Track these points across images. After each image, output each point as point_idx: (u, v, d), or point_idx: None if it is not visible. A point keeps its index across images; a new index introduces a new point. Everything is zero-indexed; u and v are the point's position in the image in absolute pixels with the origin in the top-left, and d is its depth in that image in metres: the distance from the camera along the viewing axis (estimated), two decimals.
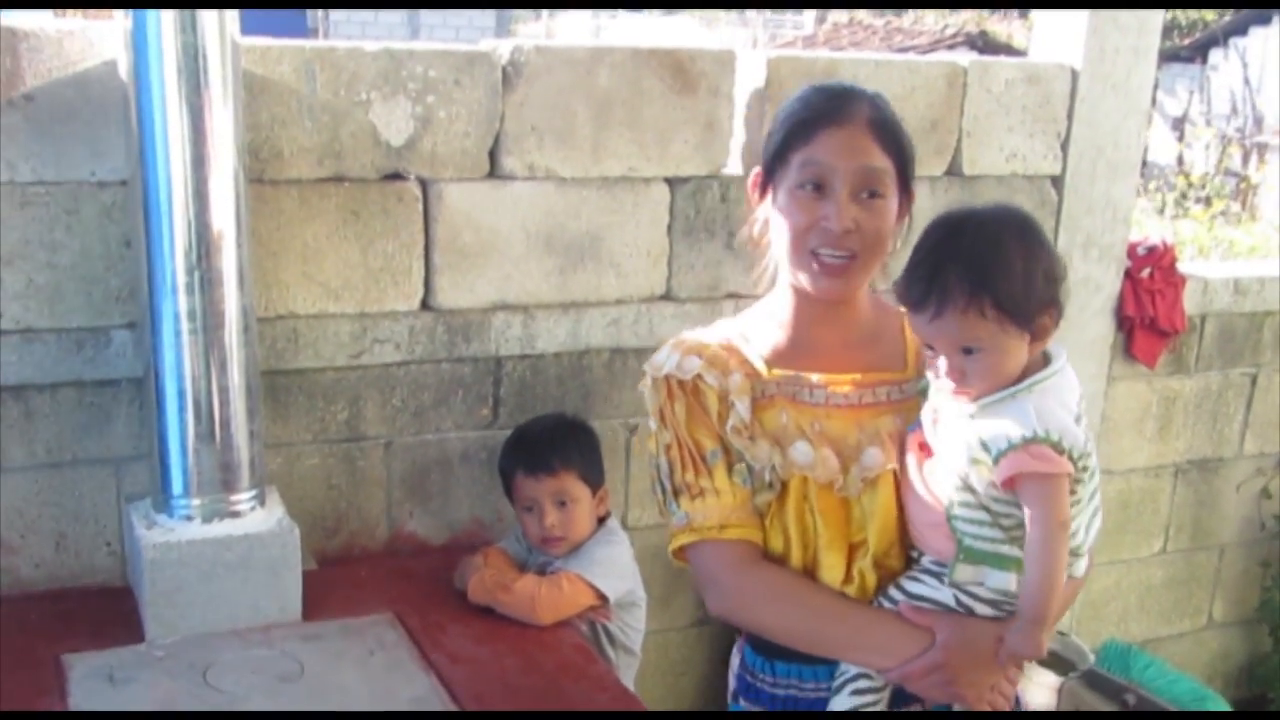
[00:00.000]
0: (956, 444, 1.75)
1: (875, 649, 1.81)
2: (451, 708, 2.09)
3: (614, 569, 2.47)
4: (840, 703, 1.84)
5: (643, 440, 2.93)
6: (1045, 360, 1.77)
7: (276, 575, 2.33)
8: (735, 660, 2.02)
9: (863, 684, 1.84)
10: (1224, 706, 3.45)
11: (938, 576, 1.82)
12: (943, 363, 1.73)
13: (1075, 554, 1.79)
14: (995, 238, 1.69)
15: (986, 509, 1.74)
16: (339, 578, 2.55)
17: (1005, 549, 1.75)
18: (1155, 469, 3.73)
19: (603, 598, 2.43)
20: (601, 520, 2.59)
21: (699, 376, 1.84)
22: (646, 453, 1.92)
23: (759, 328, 1.93)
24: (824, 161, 1.76)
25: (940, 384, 1.77)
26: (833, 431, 1.84)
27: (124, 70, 2.23)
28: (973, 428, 1.73)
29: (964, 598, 1.80)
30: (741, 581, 1.83)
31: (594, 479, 2.55)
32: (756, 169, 1.91)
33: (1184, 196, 8.10)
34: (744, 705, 1.95)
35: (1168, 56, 12.78)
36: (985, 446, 1.70)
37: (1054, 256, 1.74)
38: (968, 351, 1.70)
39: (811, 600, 1.83)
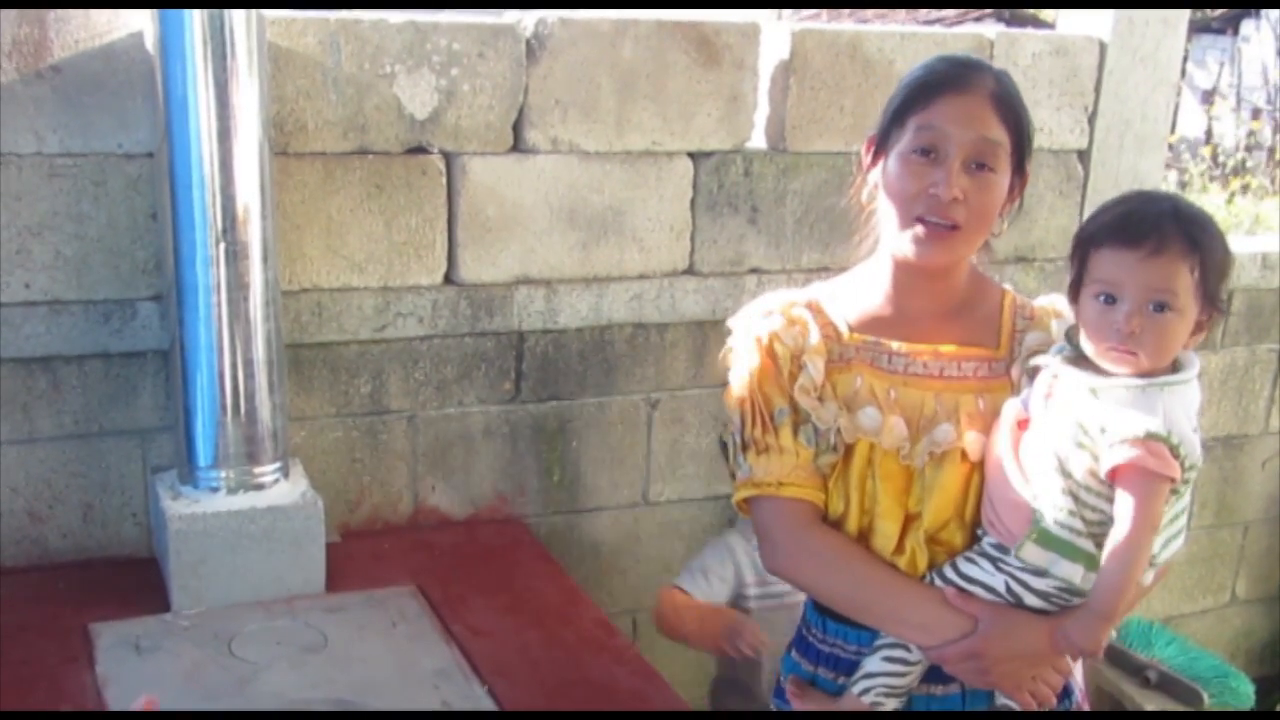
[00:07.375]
0: (1067, 423, 1.74)
1: (917, 626, 1.82)
2: (473, 679, 2.10)
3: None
4: (872, 664, 1.86)
5: (664, 415, 2.94)
6: (1173, 367, 1.76)
7: (300, 547, 2.35)
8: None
9: (898, 653, 1.85)
10: (1246, 684, 3.44)
11: (994, 561, 1.81)
12: (1116, 315, 1.68)
13: (1150, 564, 1.78)
14: (1203, 214, 1.72)
15: (1075, 497, 1.73)
16: (362, 550, 2.56)
17: (1080, 542, 1.74)
18: None
19: None
20: None
21: (775, 335, 1.86)
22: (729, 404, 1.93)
23: (849, 292, 1.93)
24: (940, 127, 1.75)
25: (1095, 351, 1.73)
26: (908, 400, 1.84)
27: (150, 42, 2.23)
28: (1093, 409, 1.71)
29: (1015, 586, 1.79)
30: (794, 540, 1.86)
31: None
32: (871, 133, 1.89)
33: (1214, 168, 8.00)
34: (794, 657, 1.99)
35: (1198, 28, 12.56)
36: (1104, 430, 1.69)
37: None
38: (1158, 308, 1.68)
39: (861, 568, 1.84)
